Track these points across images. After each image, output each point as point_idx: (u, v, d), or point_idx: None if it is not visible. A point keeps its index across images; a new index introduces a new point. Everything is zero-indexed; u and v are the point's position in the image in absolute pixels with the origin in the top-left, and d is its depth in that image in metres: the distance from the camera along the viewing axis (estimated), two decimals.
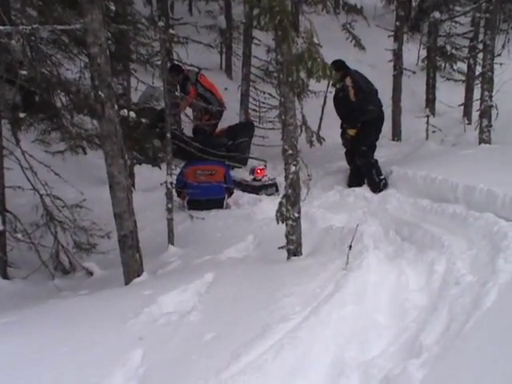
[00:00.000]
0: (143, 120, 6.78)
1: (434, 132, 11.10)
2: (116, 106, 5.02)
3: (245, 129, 9.70)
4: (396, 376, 3.01)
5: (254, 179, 8.50)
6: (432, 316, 3.75)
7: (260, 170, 8.50)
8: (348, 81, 7.99)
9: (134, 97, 8.71)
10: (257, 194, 8.27)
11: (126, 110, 6.43)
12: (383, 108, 8.42)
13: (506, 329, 3.17)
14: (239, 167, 9.09)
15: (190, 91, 9.31)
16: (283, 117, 4.97)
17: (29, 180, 6.09)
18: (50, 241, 6.22)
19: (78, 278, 6.23)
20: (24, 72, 5.59)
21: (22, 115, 6.17)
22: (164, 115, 6.52)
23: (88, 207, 6.58)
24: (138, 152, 7.84)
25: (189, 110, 9.87)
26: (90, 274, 6.22)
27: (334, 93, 8.43)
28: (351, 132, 8.08)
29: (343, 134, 8.36)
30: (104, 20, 4.92)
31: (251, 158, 9.30)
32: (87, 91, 6.27)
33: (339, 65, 7.98)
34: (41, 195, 6.18)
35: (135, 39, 7.98)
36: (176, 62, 10.40)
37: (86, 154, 7.26)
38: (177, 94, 7.24)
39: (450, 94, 13.48)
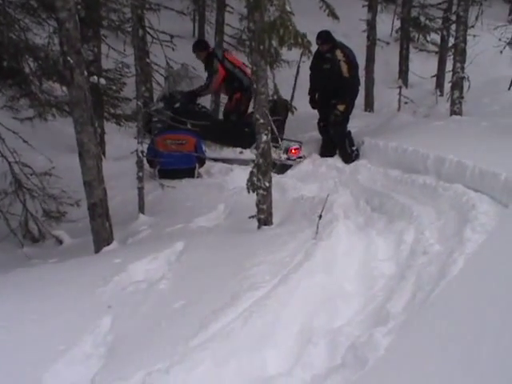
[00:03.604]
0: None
1: (406, 103, 11.13)
2: (86, 73, 4.94)
3: (277, 107, 9.30)
4: (363, 343, 3.06)
5: (289, 158, 8.32)
6: (399, 285, 3.82)
7: (295, 149, 8.33)
8: (339, 54, 7.75)
9: (105, 63, 8.55)
10: None
11: (96, 77, 6.33)
12: None
13: (471, 297, 3.22)
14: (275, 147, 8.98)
15: (217, 69, 9.03)
16: (255, 85, 4.95)
17: None
18: (18, 209, 6.16)
19: (48, 246, 6.20)
20: None
21: None
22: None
23: (57, 175, 6.50)
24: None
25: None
26: (60, 242, 6.19)
27: (311, 61, 8.05)
28: (341, 108, 7.83)
29: (313, 100, 8.29)
30: None
31: (286, 139, 8.96)
32: (56, 57, 6.16)
33: (327, 36, 7.81)
34: (9, 162, 6.09)
35: (106, 5, 7.82)
36: (202, 38, 10.17)
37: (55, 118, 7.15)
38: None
39: (422, 65, 13.54)
